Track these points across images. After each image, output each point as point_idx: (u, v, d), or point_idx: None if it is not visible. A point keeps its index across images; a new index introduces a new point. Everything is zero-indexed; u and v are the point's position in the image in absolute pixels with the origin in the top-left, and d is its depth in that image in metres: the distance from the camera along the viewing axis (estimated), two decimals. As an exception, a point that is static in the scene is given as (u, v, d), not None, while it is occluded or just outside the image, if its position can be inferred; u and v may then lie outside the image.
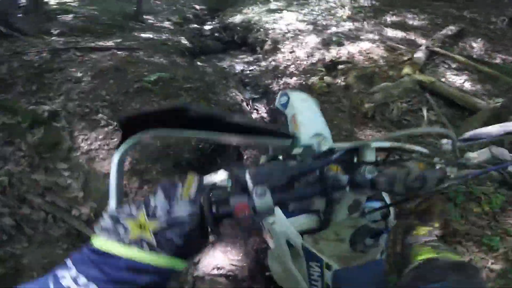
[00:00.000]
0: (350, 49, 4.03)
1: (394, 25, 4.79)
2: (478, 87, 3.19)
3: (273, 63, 4.48)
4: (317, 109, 1.01)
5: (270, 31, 5.36)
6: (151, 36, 5.43)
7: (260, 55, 5.15)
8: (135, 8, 7.35)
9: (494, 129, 0.63)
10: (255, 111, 3.73)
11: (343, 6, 6.17)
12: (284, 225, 0.74)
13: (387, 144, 0.69)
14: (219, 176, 0.44)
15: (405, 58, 3.60)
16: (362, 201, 0.67)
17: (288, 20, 5.79)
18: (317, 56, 4.17)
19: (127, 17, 7.10)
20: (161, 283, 0.32)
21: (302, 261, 0.72)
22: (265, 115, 3.58)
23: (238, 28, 6.30)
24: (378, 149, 0.68)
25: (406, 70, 3.26)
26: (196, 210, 0.35)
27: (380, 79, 3.31)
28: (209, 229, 0.38)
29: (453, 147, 0.57)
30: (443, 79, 3.29)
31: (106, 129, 2.53)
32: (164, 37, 5.49)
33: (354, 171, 0.54)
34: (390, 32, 4.50)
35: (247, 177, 0.40)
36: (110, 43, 4.53)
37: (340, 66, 3.69)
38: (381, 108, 2.87)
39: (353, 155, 0.64)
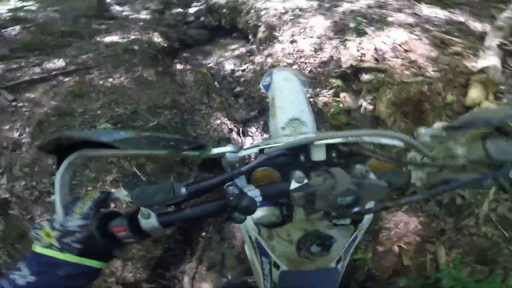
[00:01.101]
0: (377, 42, 2.53)
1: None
2: None
3: (269, 60, 3.09)
4: (300, 91, 0.98)
5: (263, 12, 3.86)
6: (115, 39, 4.12)
7: (254, 46, 3.78)
8: (96, 7, 5.92)
9: (496, 113, 0.39)
10: (249, 138, 2.55)
11: None
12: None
13: (337, 139, 0.47)
14: (123, 193, 0.41)
15: (468, 63, 2.09)
16: (358, 196, 0.43)
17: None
18: (328, 50, 2.77)
19: (91, 16, 5.74)
20: (80, 275, 0.40)
21: (258, 255, 0.65)
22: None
23: (225, 10, 4.81)
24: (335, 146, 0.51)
25: (476, 92, 1.77)
26: (87, 223, 0.40)
27: (433, 111, 1.88)
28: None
29: (421, 155, 0.41)
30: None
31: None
32: (132, 37, 4.15)
33: (287, 176, 0.44)
34: (427, 10, 2.96)
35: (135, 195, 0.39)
36: (58, 63, 3.32)
37: (365, 77, 2.27)
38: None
39: (300, 154, 0.52)
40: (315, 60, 2.76)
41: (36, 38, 4.24)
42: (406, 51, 2.33)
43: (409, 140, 0.41)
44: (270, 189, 0.43)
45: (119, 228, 0.39)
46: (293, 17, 3.46)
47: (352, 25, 2.88)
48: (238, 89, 3.05)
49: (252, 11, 4.13)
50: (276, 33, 3.38)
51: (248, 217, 0.48)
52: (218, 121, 2.43)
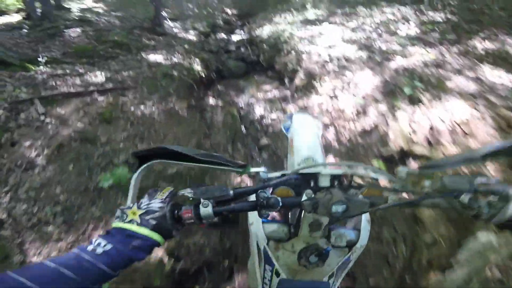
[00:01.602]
0: (433, 116, 2.17)
1: (492, 58, 2.90)
2: None
3: None
4: (315, 135, 1.15)
5: (304, 56, 3.75)
6: (159, 59, 4.19)
7: (289, 92, 3.66)
8: (152, 20, 6.15)
9: (456, 158, 0.59)
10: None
11: (406, 20, 4.30)
12: (257, 227, 0.79)
13: (339, 171, 0.67)
14: (188, 190, 0.55)
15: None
16: (322, 222, 0.68)
17: (329, 39, 4.08)
18: (373, 116, 2.46)
19: (145, 28, 5.96)
20: (146, 246, 0.49)
21: (262, 263, 0.76)
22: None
23: (265, 45, 4.78)
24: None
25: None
26: (164, 206, 0.52)
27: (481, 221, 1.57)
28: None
29: (394, 185, 0.59)
30: None
31: (59, 244, 1.72)
32: (175, 59, 4.21)
33: (300, 194, 0.60)
34: (490, 73, 2.64)
35: (198, 192, 0.54)
36: (99, 77, 3.37)
37: (413, 165, 1.98)
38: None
39: (311, 180, 0.67)
40: (356, 126, 2.48)
41: (90, 44, 4.42)
42: (465, 134, 1.97)
43: (389, 176, 0.60)
44: (288, 199, 0.59)
45: (187, 211, 0.52)
46: (337, 68, 3.25)
47: (406, 90, 2.46)
48: (264, 141, 2.86)
49: (292, 52, 4.03)
50: (315, 83, 3.22)
51: (260, 230, 0.76)
52: (239, 179, 2.26)
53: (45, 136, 2.34)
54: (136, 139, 2.58)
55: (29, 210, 1.82)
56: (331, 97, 2.93)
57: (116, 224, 0.50)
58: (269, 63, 4.52)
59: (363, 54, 3.41)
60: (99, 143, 2.48)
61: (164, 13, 8.31)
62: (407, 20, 4.26)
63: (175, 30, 7.04)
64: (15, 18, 6.27)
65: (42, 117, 2.55)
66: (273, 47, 4.60)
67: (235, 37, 6.74)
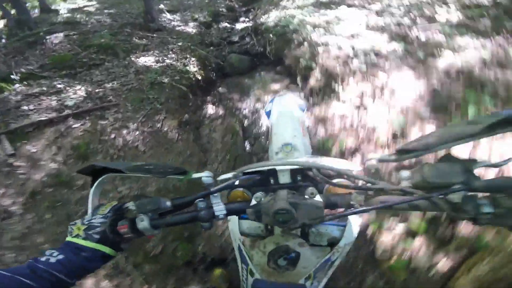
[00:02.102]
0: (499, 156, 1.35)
1: None
2: None
3: (320, 129, 2.21)
4: (295, 118, 1.02)
5: (319, 49, 2.92)
6: (150, 61, 3.50)
7: (302, 95, 2.88)
8: (143, 16, 5.39)
9: (446, 133, 0.38)
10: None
11: (442, 2, 3.30)
12: (233, 223, 0.72)
13: (295, 166, 0.53)
14: (131, 204, 0.52)
15: None
16: (292, 215, 0.49)
17: (351, 26, 3.18)
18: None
19: (137, 25, 5.24)
20: (96, 257, 0.48)
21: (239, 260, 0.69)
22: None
23: (272, 35, 3.94)
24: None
25: None
26: (105, 221, 0.50)
27: None
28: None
29: (357, 181, 0.47)
30: None
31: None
32: (168, 60, 3.50)
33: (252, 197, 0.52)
34: None
35: (138, 205, 0.50)
36: (78, 93, 2.76)
37: (463, 228, 1.27)
38: None
39: (270, 178, 0.56)
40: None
41: (73, 50, 3.79)
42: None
43: (347, 172, 0.47)
44: (234, 206, 0.52)
45: (122, 227, 0.50)
46: (364, 66, 2.42)
47: (470, 110, 1.60)
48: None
49: (305, 44, 3.21)
50: (336, 86, 2.44)
51: (236, 227, 0.71)
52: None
53: (16, 183, 1.87)
54: (116, 180, 1.99)
55: (18, 258, 1.57)
56: (357, 107, 2.16)
57: (67, 238, 0.50)
58: (277, 56, 3.71)
59: (398, 47, 2.54)
60: (75, 188, 1.96)
61: (162, 6, 7.50)
62: (444, 3, 3.27)
63: (174, 23, 6.26)
64: None
65: (11, 160, 2.03)
66: (281, 37, 3.76)
67: (239, 26, 5.88)
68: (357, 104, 2.22)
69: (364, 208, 0.43)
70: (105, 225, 0.49)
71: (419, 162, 1.22)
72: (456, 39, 2.37)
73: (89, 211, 0.54)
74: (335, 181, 0.48)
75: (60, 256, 0.45)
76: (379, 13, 3.35)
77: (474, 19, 2.70)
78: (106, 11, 6.69)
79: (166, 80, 2.95)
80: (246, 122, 2.83)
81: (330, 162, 0.52)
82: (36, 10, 6.87)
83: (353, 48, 2.67)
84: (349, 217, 0.66)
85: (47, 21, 5.39)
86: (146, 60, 3.57)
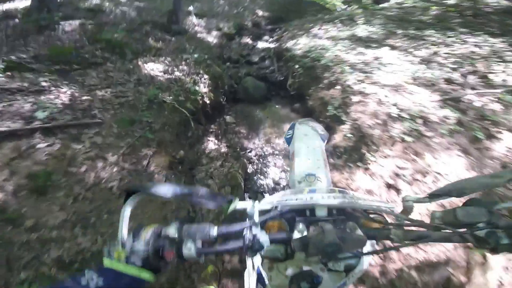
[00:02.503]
0: None
1: None
2: None
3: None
4: (318, 148, 1.00)
5: (355, 99, 2.40)
6: (156, 70, 3.03)
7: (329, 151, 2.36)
8: (168, 16, 4.99)
9: (474, 181, 0.48)
10: None
11: (501, 59, 2.78)
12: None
13: (335, 202, 0.56)
14: (172, 230, 0.49)
15: None
16: (340, 247, 0.53)
17: (393, 73, 2.70)
18: (462, 259, 1.28)
19: (159, 25, 4.81)
20: (136, 283, 0.46)
21: (255, 280, 0.70)
22: None
23: (297, 66, 3.46)
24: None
25: None
26: (147, 248, 0.47)
27: None
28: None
29: (397, 218, 0.52)
30: None
31: None
32: (177, 73, 3.03)
33: (292, 228, 0.53)
34: None
35: (181, 231, 0.49)
36: (62, 97, 2.28)
37: None
38: None
39: (307, 210, 0.59)
40: (423, 273, 1.29)
41: (79, 42, 3.34)
42: None
43: (389, 211, 0.54)
44: (277, 237, 0.53)
45: (169, 253, 0.48)
46: (407, 133, 1.92)
47: None
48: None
49: (337, 87, 2.70)
50: (366, 151, 1.92)
51: None
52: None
53: None
54: (76, 228, 1.47)
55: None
56: (388, 187, 1.64)
57: (106, 262, 0.48)
58: (299, 92, 3.21)
59: (450, 114, 2.02)
60: (23, 227, 1.43)
61: (191, 8, 7.15)
62: (503, 59, 2.78)
63: (197, 28, 5.84)
64: (24, 3, 5.34)
65: None
66: (308, 71, 3.27)
67: (261, 44, 5.44)
68: (389, 182, 1.71)
69: (406, 242, 0.48)
70: (148, 251, 0.48)
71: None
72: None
73: (121, 230, 0.51)
74: (372, 216, 0.56)
75: (100, 283, 0.44)
76: (425, 62, 2.85)
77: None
78: (136, 3, 6.32)
79: (168, 99, 2.45)
80: (250, 168, 2.31)
81: (369, 201, 0.58)
82: None
83: (396, 106, 2.16)
84: (366, 248, 0.64)
85: (72, 5, 5.00)
86: (154, 67, 3.09)
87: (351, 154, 1.98)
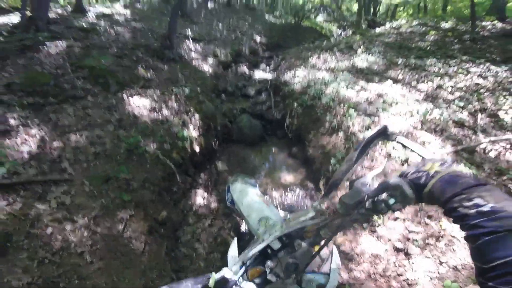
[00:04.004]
0: None
1: None
2: None
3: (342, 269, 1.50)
4: (255, 195, 1.20)
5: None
6: (142, 107, 2.78)
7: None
8: (162, 40, 4.83)
9: (337, 173, 0.72)
10: None
11: (506, 91, 2.75)
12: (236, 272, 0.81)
13: (277, 234, 0.77)
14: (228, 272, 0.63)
15: None
16: (297, 264, 0.73)
17: (400, 115, 2.55)
18: None
19: (152, 50, 4.63)
20: None
21: None
22: None
23: (296, 104, 3.29)
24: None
25: None
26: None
27: None
28: None
29: (319, 222, 0.72)
30: None
31: None
32: (165, 111, 2.80)
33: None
34: None
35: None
36: (25, 148, 2.00)
37: None
38: None
39: (267, 249, 0.78)
40: None
41: (60, 69, 3.08)
42: None
43: (313, 222, 0.73)
44: (258, 280, 0.73)
45: None
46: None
47: None
48: None
49: (340, 133, 2.50)
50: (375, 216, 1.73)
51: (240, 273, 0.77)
52: None
53: None
54: None
55: None
56: (397, 251, 1.46)
57: None
58: (297, 135, 3.01)
59: (465, 170, 1.84)
60: None
61: (188, 31, 7.07)
62: (509, 92, 2.71)
63: (193, 54, 5.69)
64: (14, 19, 5.11)
65: None
66: (307, 110, 3.09)
67: (258, 74, 5.33)
68: (398, 247, 1.51)
69: (330, 234, 0.68)
70: None
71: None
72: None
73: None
74: (306, 229, 0.75)
75: None
76: (431, 98, 2.73)
77: None
78: (133, 23, 6.13)
79: (151, 149, 2.19)
80: (244, 226, 2.04)
81: (296, 220, 0.76)
82: (70, 8, 6.39)
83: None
84: (332, 267, 0.90)
85: (65, 23, 4.79)
86: (140, 103, 2.85)
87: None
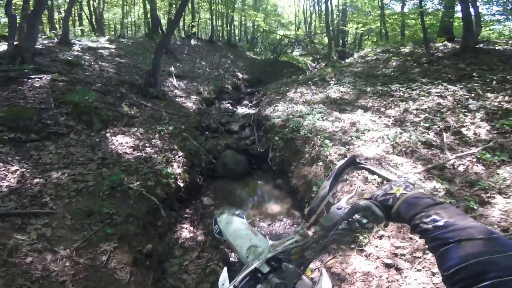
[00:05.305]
0: None
1: None
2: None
3: None
4: (241, 225, 1.28)
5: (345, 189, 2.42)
6: (126, 145, 2.87)
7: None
8: (146, 78, 5.05)
9: (316, 200, 0.76)
10: None
11: (465, 108, 3.09)
12: None
13: (264, 258, 0.86)
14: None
15: None
16: (285, 284, 0.77)
17: (373, 141, 2.83)
18: None
19: (136, 87, 4.83)
20: None
21: None
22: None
23: (277, 138, 3.53)
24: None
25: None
26: None
27: None
28: None
29: (303, 244, 0.80)
30: None
31: None
32: (148, 149, 2.88)
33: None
34: None
35: None
36: (5, 183, 2.00)
37: None
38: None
39: (257, 273, 0.84)
40: None
41: (44, 104, 3.13)
42: None
43: (296, 244, 0.83)
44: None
45: None
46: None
47: None
48: None
49: (319, 162, 2.66)
50: (359, 235, 1.85)
51: None
52: None
53: None
54: None
55: None
56: (387, 267, 1.58)
57: None
58: (281, 167, 3.19)
59: (438, 185, 2.05)
60: None
61: (172, 69, 7.42)
62: (467, 109, 3.10)
63: (176, 91, 5.95)
64: (4, 47, 5.14)
65: None
66: (288, 143, 3.32)
67: (241, 109, 5.64)
68: (388, 263, 1.62)
69: (314, 255, 0.75)
70: None
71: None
72: (502, 174, 2.07)
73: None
74: (292, 251, 0.82)
75: None
76: (399, 123, 3.06)
77: (506, 134, 2.54)
78: (117, 59, 6.32)
79: (135, 186, 2.24)
80: (233, 257, 2.07)
81: (282, 245, 0.87)
82: (56, 39, 6.55)
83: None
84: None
85: (51, 55, 4.91)
86: (123, 141, 2.93)
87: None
